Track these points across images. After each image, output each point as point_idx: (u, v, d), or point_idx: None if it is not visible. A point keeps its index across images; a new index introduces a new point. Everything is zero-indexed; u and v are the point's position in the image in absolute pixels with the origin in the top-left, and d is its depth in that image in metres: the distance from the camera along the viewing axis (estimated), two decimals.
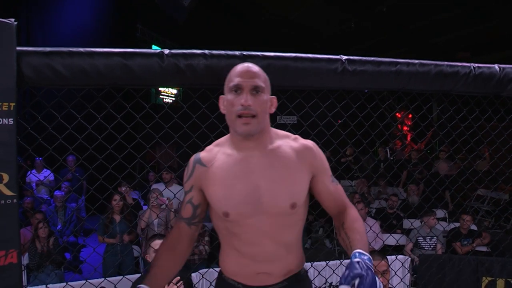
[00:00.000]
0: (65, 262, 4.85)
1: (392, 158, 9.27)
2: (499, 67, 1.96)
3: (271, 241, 1.47)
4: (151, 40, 10.79)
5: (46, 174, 6.94)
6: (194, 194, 1.55)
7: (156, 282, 1.49)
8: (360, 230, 1.45)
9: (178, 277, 2.34)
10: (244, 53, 1.73)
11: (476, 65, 1.95)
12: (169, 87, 10.72)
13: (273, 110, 1.49)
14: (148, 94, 10.99)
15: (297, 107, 2.15)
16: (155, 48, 10.78)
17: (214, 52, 1.71)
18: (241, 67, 1.44)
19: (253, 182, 1.44)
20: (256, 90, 1.40)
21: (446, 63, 1.92)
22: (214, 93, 1.88)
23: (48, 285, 2.69)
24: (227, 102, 1.43)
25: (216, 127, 2.07)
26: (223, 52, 1.72)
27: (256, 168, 1.46)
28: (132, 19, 9.73)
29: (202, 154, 1.55)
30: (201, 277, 3.40)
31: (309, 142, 1.55)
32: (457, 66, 1.93)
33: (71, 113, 1.91)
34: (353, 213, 1.53)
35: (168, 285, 2.31)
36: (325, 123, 2.19)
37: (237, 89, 1.40)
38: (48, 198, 6.70)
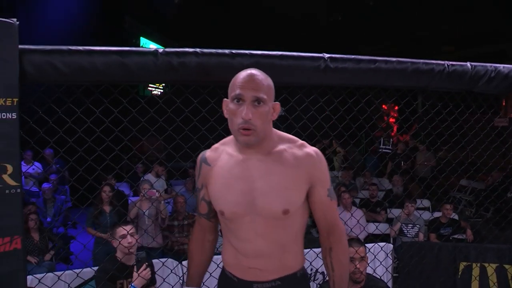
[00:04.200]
0: (62, 252, 4.89)
1: (390, 148, 9.24)
2: (471, 65, 2.08)
3: (263, 239, 1.51)
4: (138, 32, 10.72)
5: (35, 167, 6.91)
6: (205, 191, 1.64)
7: (197, 280, 1.73)
8: (345, 263, 1.59)
9: (146, 263, 2.50)
10: (233, 51, 1.83)
11: (450, 63, 2.07)
12: (161, 84, 10.70)
13: (275, 116, 1.49)
14: (136, 86, 10.92)
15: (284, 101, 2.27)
16: (144, 41, 10.78)
17: (205, 50, 1.80)
18: (244, 75, 1.44)
19: (250, 184, 1.49)
20: (257, 101, 1.41)
21: (422, 60, 2.03)
22: (205, 89, 1.98)
23: (55, 272, 2.81)
24: (229, 110, 1.45)
25: (207, 121, 2.16)
26: (213, 50, 1.82)
27: (255, 171, 1.50)
28: (119, 11, 9.64)
29: (208, 154, 1.62)
30: None
31: (313, 151, 1.55)
32: (432, 63, 2.05)
33: (59, 108, 1.92)
34: (343, 240, 1.60)
35: (138, 271, 2.47)
36: (309, 117, 2.31)
37: (239, 99, 1.41)
38: (37, 190, 6.67)
